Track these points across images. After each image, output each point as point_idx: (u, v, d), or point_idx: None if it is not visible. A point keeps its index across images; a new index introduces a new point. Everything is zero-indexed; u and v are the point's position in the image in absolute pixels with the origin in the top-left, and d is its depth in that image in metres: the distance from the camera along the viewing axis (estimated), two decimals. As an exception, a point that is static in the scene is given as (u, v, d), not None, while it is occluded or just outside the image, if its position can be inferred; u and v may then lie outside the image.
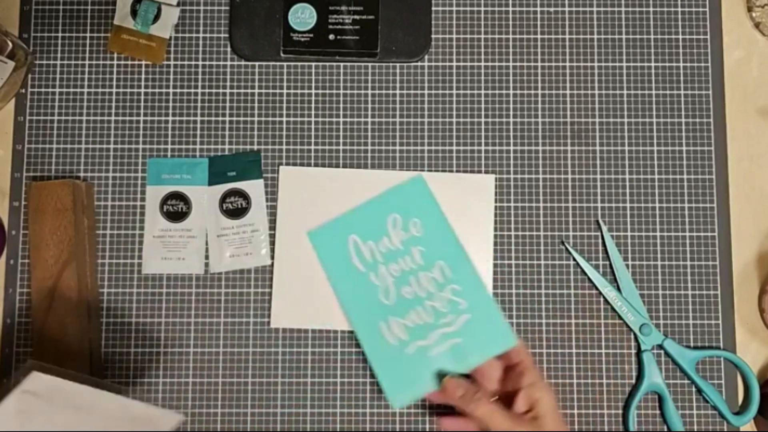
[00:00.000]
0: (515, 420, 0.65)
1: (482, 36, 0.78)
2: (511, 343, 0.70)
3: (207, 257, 0.75)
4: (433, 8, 0.78)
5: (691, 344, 0.74)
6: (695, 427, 0.73)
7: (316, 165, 0.76)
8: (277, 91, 0.77)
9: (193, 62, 0.78)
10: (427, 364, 0.71)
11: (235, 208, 0.76)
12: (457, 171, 0.76)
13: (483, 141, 0.77)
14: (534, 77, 0.77)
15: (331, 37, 0.77)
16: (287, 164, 0.76)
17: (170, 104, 0.77)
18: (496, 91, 0.77)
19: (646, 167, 0.76)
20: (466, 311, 0.72)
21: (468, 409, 0.66)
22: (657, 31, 0.78)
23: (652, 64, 0.77)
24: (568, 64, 0.77)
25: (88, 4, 0.78)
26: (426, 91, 0.77)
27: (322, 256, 0.74)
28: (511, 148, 0.77)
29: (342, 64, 0.78)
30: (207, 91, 0.77)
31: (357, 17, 0.77)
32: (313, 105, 0.77)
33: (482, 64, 0.77)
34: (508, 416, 0.65)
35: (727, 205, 0.76)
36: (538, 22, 0.78)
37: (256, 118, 0.77)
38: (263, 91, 0.77)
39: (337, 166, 0.76)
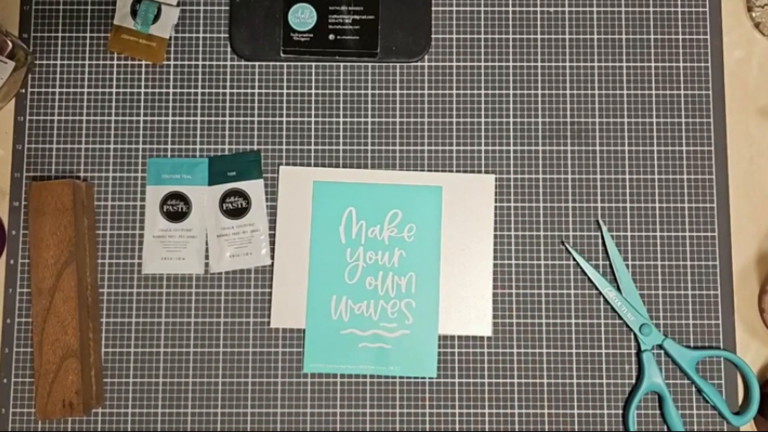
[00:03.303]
0: None
1: (482, 36, 0.78)
2: (431, 374, 0.73)
3: (207, 257, 0.75)
4: (433, 8, 0.78)
5: (691, 344, 0.74)
6: (695, 427, 0.73)
7: (316, 165, 0.76)
8: (277, 91, 0.77)
9: (193, 62, 0.78)
10: (350, 352, 0.74)
11: (235, 208, 0.76)
12: (457, 171, 0.76)
13: (483, 141, 0.77)
14: (534, 77, 0.77)
15: (331, 37, 0.77)
16: (287, 164, 0.76)
17: (170, 104, 0.77)
18: (496, 91, 0.77)
19: (646, 167, 0.76)
20: (408, 328, 0.74)
21: None
22: (657, 31, 0.78)
23: (652, 64, 0.77)
24: (568, 64, 0.77)
25: (88, 4, 0.78)
26: (426, 91, 0.77)
27: (315, 208, 0.75)
28: (511, 148, 0.77)
29: (342, 64, 0.78)
30: (207, 91, 0.77)
31: (357, 17, 0.77)
32: (313, 105, 0.77)
33: (482, 64, 0.77)
34: None
35: (727, 205, 0.76)
36: (538, 22, 0.78)
37: (256, 118, 0.77)
38: (263, 91, 0.77)
39: (337, 166, 0.76)
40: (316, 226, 0.75)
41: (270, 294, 0.75)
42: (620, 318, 0.74)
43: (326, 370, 0.74)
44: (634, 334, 0.74)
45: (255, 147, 0.77)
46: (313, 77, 0.77)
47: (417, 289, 0.74)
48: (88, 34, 0.78)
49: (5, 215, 0.76)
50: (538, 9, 0.78)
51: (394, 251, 0.75)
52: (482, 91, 0.77)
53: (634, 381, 0.74)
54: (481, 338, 0.74)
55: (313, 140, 0.77)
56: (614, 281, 0.75)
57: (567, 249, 0.75)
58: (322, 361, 0.74)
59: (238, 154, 0.76)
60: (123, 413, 0.74)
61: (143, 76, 0.77)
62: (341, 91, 0.77)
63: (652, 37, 0.78)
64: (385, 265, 0.75)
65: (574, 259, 0.75)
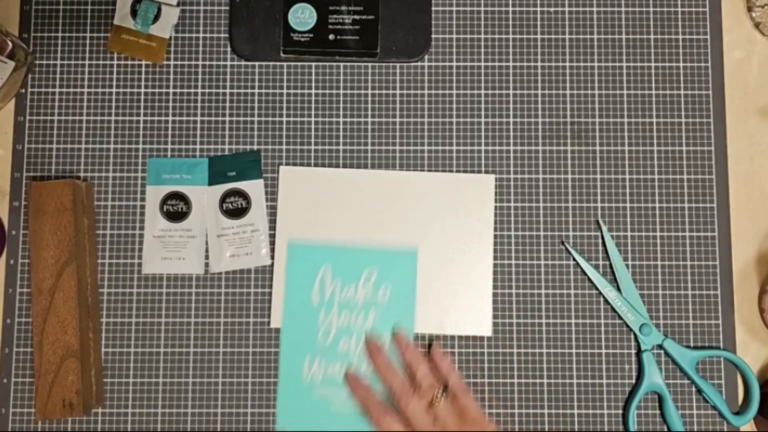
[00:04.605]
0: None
1: (482, 36, 0.78)
2: None
3: (207, 257, 0.75)
4: (433, 8, 0.78)
5: (691, 344, 0.74)
6: (695, 427, 0.73)
7: (316, 165, 0.76)
8: (277, 91, 0.77)
9: (193, 62, 0.78)
10: (323, 414, 0.72)
11: (235, 208, 0.76)
12: (457, 171, 0.76)
13: (483, 141, 0.77)
14: (534, 77, 0.77)
15: (331, 37, 0.77)
16: (287, 164, 0.76)
17: (170, 104, 0.77)
18: (496, 91, 0.77)
19: (646, 167, 0.76)
20: (383, 391, 0.73)
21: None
22: (657, 31, 0.78)
23: (652, 64, 0.77)
24: (568, 64, 0.77)
25: (88, 4, 0.78)
26: (426, 91, 0.77)
27: (290, 269, 0.74)
28: (511, 148, 0.77)
29: (342, 64, 0.78)
30: (207, 91, 0.77)
31: (357, 17, 0.77)
32: (313, 105, 0.77)
33: (482, 64, 0.77)
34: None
35: (727, 205, 0.76)
36: (538, 22, 0.78)
37: (256, 118, 0.77)
38: (263, 91, 0.77)
39: (337, 166, 0.76)
40: (289, 288, 0.74)
41: (270, 294, 0.75)
42: (620, 318, 0.74)
43: (299, 429, 0.72)
44: (634, 334, 0.74)
45: (255, 147, 0.77)
46: (313, 77, 0.77)
47: (391, 351, 0.73)
48: (88, 34, 0.78)
49: (5, 215, 0.76)
50: (538, 9, 0.78)
51: (369, 312, 0.74)
52: (482, 91, 0.77)
53: (634, 381, 0.74)
54: (481, 338, 0.74)
55: (313, 140, 0.77)
56: (614, 281, 0.75)
57: (567, 249, 0.75)
58: (294, 421, 0.73)
59: (238, 154, 0.76)
60: (123, 413, 0.74)
61: (143, 76, 0.77)
62: (341, 91, 0.77)
63: (652, 37, 0.78)
64: (359, 327, 0.74)
65: (574, 259, 0.75)
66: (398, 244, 0.74)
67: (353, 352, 0.73)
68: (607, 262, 0.75)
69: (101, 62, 0.78)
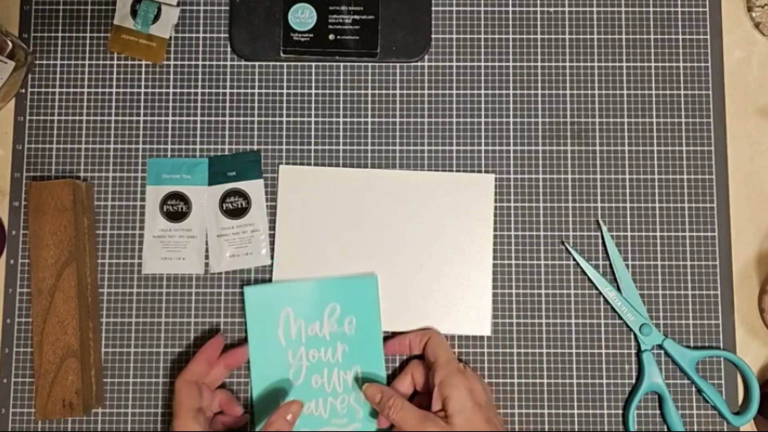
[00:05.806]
0: (423, 419, 0.65)
1: (482, 36, 0.78)
2: None
3: (207, 257, 0.75)
4: (433, 8, 0.78)
5: (691, 344, 0.74)
6: (695, 427, 0.73)
7: (316, 165, 0.76)
8: (277, 91, 0.77)
9: (193, 62, 0.78)
10: None
11: (235, 208, 0.76)
12: (457, 171, 0.76)
13: (483, 141, 0.77)
14: (534, 77, 0.77)
15: (331, 37, 0.77)
16: (287, 164, 0.76)
17: (170, 104, 0.77)
18: (496, 91, 0.77)
19: (646, 167, 0.76)
20: (360, 421, 0.72)
21: (384, 413, 0.67)
22: (657, 31, 0.78)
23: (652, 64, 0.77)
24: (568, 64, 0.77)
25: (88, 4, 0.78)
26: (426, 91, 0.77)
27: (250, 315, 0.73)
28: (511, 148, 0.77)
29: (342, 64, 0.78)
30: (207, 91, 0.77)
31: (357, 17, 0.77)
32: (313, 105, 0.77)
33: (482, 64, 0.77)
34: (417, 415, 0.66)
35: (727, 205, 0.76)
36: (538, 22, 0.78)
37: (256, 118, 0.77)
38: (263, 91, 0.77)
39: (337, 166, 0.76)
40: (254, 333, 0.73)
41: (270, 294, 0.75)
42: (620, 318, 0.74)
43: None
44: (634, 334, 0.74)
45: (255, 147, 0.77)
46: (313, 77, 0.77)
47: (364, 381, 0.72)
48: (88, 34, 0.78)
49: (5, 215, 0.76)
50: (538, 9, 0.78)
51: (337, 346, 0.73)
52: (482, 91, 0.77)
53: (634, 381, 0.74)
54: (481, 338, 0.75)
55: (313, 140, 0.77)
56: (614, 281, 0.75)
57: (567, 249, 0.75)
58: None
59: (238, 154, 0.76)
60: (123, 413, 0.74)
61: (143, 76, 0.78)
62: (341, 91, 0.77)
63: (652, 37, 0.78)
64: (329, 361, 0.73)
65: (574, 259, 0.75)
66: (357, 271, 0.74)
67: (327, 386, 0.73)
68: (607, 262, 0.75)
69: (101, 62, 0.78)
